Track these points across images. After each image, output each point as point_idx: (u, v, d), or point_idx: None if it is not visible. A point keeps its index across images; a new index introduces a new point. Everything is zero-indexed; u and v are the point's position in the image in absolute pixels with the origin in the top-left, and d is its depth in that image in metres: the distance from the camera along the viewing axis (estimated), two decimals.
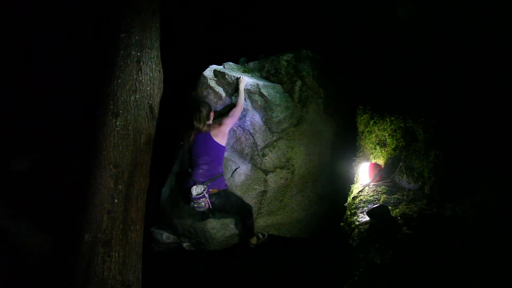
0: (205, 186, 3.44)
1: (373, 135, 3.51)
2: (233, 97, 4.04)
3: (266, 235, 4.09)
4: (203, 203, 3.42)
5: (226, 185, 3.69)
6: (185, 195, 3.60)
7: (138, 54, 3.39)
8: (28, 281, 3.67)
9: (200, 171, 3.56)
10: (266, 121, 4.01)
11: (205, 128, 3.65)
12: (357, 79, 4.34)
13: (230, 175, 3.90)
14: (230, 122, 3.77)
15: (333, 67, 4.41)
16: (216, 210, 3.68)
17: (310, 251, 4.09)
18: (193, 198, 3.39)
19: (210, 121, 3.77)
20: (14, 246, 3.95)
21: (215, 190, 3.55)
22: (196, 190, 3.39)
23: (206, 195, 3.41)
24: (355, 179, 3.53)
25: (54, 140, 5.56)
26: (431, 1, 3.30)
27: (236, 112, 3.82)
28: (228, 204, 3.66)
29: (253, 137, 3.99)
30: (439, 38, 3.22)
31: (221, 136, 3.66)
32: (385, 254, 2.20)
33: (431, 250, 2.12)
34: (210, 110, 3.77)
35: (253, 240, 3.96)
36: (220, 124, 3.71)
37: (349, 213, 3.00)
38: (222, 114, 3.99)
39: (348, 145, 4.07)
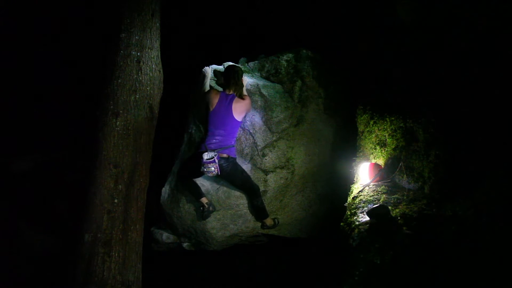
0: (215, 152, 3.60)
1: (373, 135, 3.51)
2: None
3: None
4: (212, 168, 3.57)
5: (235, 155, 3.81)
6: (195, 159, 3.71)
7: (138, 54, 3.39)
8: (28, 281, 3.67)
9: (214, 140, 3.69)
10: (266, 121, 4.01)
11: (234, 92, 3.70)
12: (357, 79, 4.34)
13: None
14: (249, 103, 3.80)
15: (333, 67, 4.41)
16: (223, 176, 3.75)
17: (310, 251, 4.09)
18: (203, 162, 3.55)
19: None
20: (14, 246, 3.96)
21: (225, 155, 3.69)
22: (207, 155, 3.58)
23: (216, 161, 3.58)
24: (355, 179, 3.52)
25: (54, 140, 5.55)
26: (431, 1, 3.30)
27: (251, 102, 3.86)
28: (234, 172, 3.76)
29: (253, 137, 3.99)
30: (439, 38, 3.22)
31: (240, 113, 3.73)
32: (385, 254, 2.20)
33: (431, 250, 2.12)
34: (242, 74, 3.83)
35: (268, 221, 3.99)
36: (243, 99, 3.75)
37: (349, 213, 3.00)
38: None
39: (348, 145, 4.07)
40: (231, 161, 3.71)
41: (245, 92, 3.87)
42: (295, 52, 4.31)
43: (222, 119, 3.70)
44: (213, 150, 3.62)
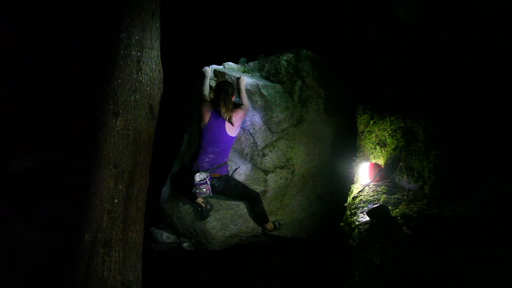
0: (207, 173, 3.60)
1: (373, 135, 3.51)
2: (236, 98, 4.04)
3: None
4: (204, 189, 3.58)
5: (228, 171, 3.81)
6: (187, 178, 3.68)
7: (138, 54, 3.38)
8: (28, 281, 3.67)
9: (207, 159, 3.67)
10: (266, 121, 4.01)
11: (224, 114, 3.60)
12: (357, 79, 4.34)
13: (230, 175, 3.90)
14: (243, 115, 3.76)
15: (333, 67, 4.41)
16: (216, 193, 3.75)
17: (310, 251, 4.09)
18: (195, 184, 3.55)
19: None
20: (14, 246, 3.95)
21: (217, 175, 3.70)
22: (199, 176, 3.57)
23: (208, 182, 3.58)
24: (355, 179, 3.53)
25: (54, 140, 5.56)
26: (431, 1, 3.30)
27: (245, 110, 3.81)
28: (228, 188, 3.77)
29: (253, 137, 3.99)
30: (439, 38, 3.22)
31: (234, 128, 3.70)
32: (385, 254, 2.20)
33: (431, 250, 2.12)
34: (233, 92, 3.75)
35: (269, 226, 3.98)
36: (236, 113, 3.67)
37: (349, 213, 3.01)
38: None
39: (348, 145, 4.07)
40: (223, 179, 3.72)
41: (245, 98, 3.85)
42: (295, 52, 4.31)
43: (215, 137, 3.66)
44: (205, 170, 3.60)
